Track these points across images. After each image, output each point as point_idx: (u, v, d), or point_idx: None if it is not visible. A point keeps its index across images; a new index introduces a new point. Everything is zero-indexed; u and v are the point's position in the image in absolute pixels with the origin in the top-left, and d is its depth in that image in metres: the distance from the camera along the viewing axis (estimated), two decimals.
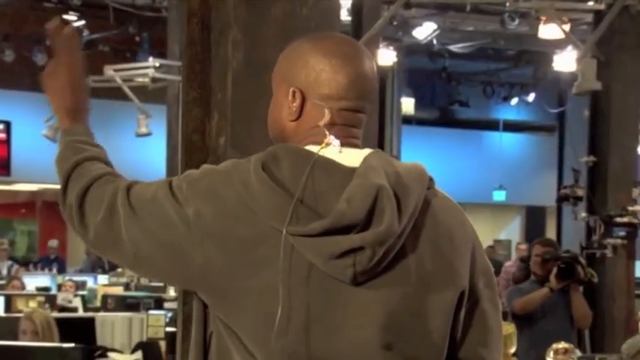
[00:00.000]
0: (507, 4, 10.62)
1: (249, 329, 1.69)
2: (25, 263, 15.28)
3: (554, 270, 6.24)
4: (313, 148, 1.75)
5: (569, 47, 10.87)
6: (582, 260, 6.50)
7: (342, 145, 1.76)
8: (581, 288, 6.39)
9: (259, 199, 1.69)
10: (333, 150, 1.75)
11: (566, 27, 9.40)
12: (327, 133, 1.76)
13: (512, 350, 4.89)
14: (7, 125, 14.21)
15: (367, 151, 1.79)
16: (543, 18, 9.62)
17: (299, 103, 1.80)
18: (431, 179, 1.82)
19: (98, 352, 5.96)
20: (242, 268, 1.69)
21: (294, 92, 1.80)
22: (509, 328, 4.90)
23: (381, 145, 12.56)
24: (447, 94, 18.51)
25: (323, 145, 1.75)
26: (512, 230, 21.57)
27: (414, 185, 1.75)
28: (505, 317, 6.82)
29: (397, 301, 1.71)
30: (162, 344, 6.51)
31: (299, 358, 1.68)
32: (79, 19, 13.80)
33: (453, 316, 1.77)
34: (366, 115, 1.83)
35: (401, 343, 1.72)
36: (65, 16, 13.61)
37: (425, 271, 1.74)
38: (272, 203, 1.68)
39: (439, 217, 1.78)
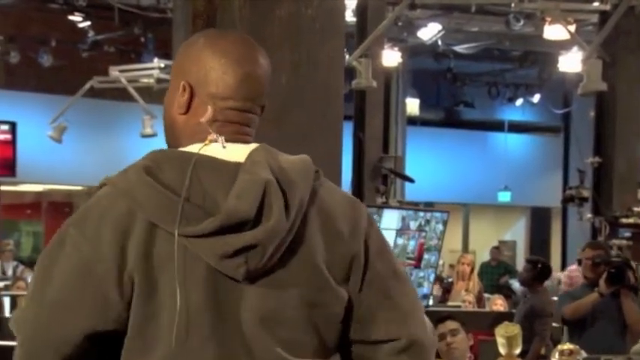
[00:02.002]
0: (512, 4, 10.61)
1: (152, 338, 1.69)
2: (31, 264, 15.28)
3: (604, 275, 6.16)
4: (196, 148, 1.75)
5: (575, 48, 10.86)
6: (633, 265, 6.42)
7: (227, 141, 1.77)
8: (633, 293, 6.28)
9: (146, 204, 1.68)
10: (217, 147, 1.76)
11: (572, 28, 9.39)
12: (210, 130, 1.77)
13: (518, 351, 4.88)
14: (13, 126, 14.20)
15: (253, 145, 1.79)
16: (548, 19, 9.61)
17: (187, 97, 1.81)
18: (317, 171, 1.82)
19: None
20: (145, 278, 1.68)
21: (184, 86, 1.81)
22: (514, 329, 4.90)
23: (385, 145, 12.53)
24: (451, 94, 18.49)
25: (206, 142, 1.76)
26: (517, 231, 21.54)
27: (298, 179, 1.75)
28: (511, 318, 6.81)
29: (292, 295, 1.72)
30: None
31: None
32: (85, 19, 13.81)
33: (347, 303, 1.77)
34: (257, 116, 1.84)
35: (299, 338, 1.73)
36: (71, 17, 13.64)
37: (317, 263, 1.75)
38: (160, 205, 1.68)
39: (327, 208, 1.79)
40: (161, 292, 1.68)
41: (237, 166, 1.73)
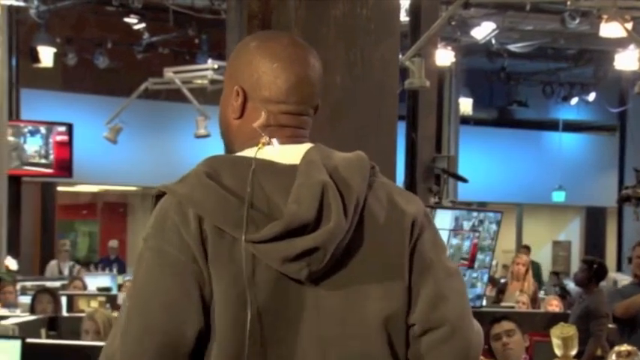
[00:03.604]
0: (568, 2, 10.51)
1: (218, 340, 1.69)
2: (87, 264, 15.48)
3: None
4: (251, 152, 1.76)
5: (631, 46, 10.74)
6: None
7: (281, 143, 1.78)
8: None
9: (211, 208, 1.69)
10: (271, 149, 1.77)
11: (629, 25, 9.27)
12: (262, 133, 1.78)
13: (574, 352, 4.83)
14: (70, 127, 14.39)
15: (307, 145, 1.79)
16: (605, 16, 9.51)
17: (241, 102, 1.82)
18: (373, 167, 1.82)
19: None
20: (216, 280, 1.69)
21: (237, 91, 1.82)
22: (570, 330, 4.84)
23: (438, 145, 12.47)
24: (505, 94, 18.37)
25: (260, 146, 1.76)
26: (571, 231, 21.34)
27: (354, 177, 1.75)
28: (566, 319, 6.75)
29: (356, 291, 1.73)
30: None
31: None
32: (140, 21, 13.96)
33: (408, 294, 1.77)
34: (310, 117, 1.84)
35: (367, 334, 1.73)
36: (126, 19, 13.80)
37: (376, 259, 1.75)
38: (224, 209, 1.68)
39: (381, 204, 1.79)
40: (222, 294, 1.69)
41: (293, 168, 1.73)
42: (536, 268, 14.96)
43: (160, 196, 1.77)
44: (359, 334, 1.73)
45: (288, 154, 1.76)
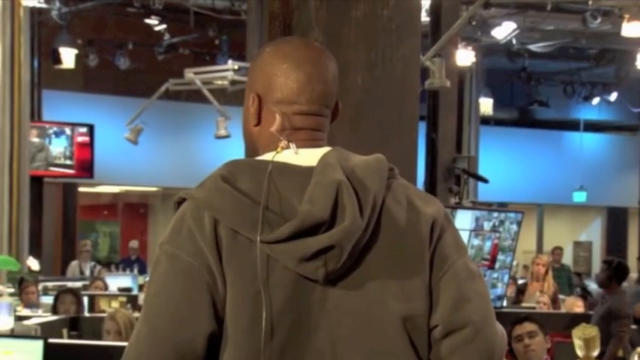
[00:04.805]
0: (589, 2, 10.47)
1: (230, 342, 1.70)
2: (108, 264, 15.54)
3: None
4: (270, 156, 1.76)
5: None
6: None
7: (299, 147, 1.78)
8: None
9: (226, 211, 1.69)
10: (289, 153, 1.77)
11: None
12: (280, 137, 1.78)
13: (596, 353, 4.82)
14: (91, 128, 14.45)
15: (325, 149, 1.79)
16: (627, 16, 9.46)
17: (256, 107, 1.82)
18: (392, 169, 1.81)
19: None
20: (232, 283, 1.69)
21: (253, 98, 1.83)
22: (592, 331, 4.83)
23: (458, 145, 12.44)
24: (526, 94, 18.30)
25: (278, 149, 1.77)
26: (592, 232, 21.25)
27: (371, 177, 1.74)
28: (587, 320, 6.72)
29: (375, 291, 1.72)
30: None
31: None
32: (161, 23, 14.01)
33: (429, 294, 1.76)
34: (326, 118, 1.84)
35: (384, 336, 1.72)
36: (147, 21, 13.85)
37: (395, 259, 1.74)
38: (239, 212, 1.69)
39: (400, 205, 1.78)
40: (239, 296, 1.69)
41: (310, 170, 1.74)
42: (567, 270, 14.78)
43: (181, 202, 1.78)
44: (378, 333, 1.72)
45: (307, 157, 1.77)
